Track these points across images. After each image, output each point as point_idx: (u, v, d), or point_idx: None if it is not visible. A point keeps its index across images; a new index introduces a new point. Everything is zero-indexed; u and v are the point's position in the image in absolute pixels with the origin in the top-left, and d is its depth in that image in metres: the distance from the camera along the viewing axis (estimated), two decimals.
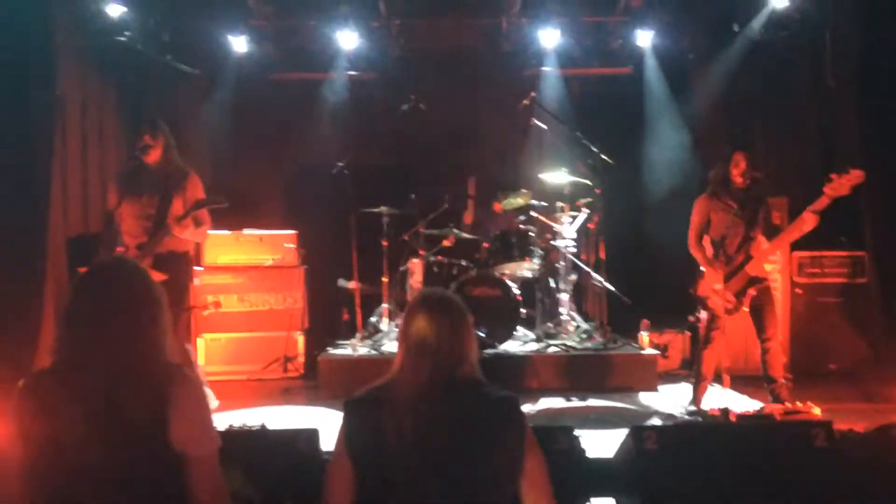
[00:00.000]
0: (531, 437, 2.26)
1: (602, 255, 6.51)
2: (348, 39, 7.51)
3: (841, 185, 4.45)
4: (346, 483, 2.20)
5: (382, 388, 2.27)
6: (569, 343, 6.35)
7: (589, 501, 3.44)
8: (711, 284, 4.94)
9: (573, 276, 6.73)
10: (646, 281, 8.30)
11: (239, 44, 7.56)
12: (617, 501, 3.49)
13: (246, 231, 6.80)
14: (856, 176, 4.42)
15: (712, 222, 5.06)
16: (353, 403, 2.28)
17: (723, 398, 4.55)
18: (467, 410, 2.20)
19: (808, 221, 4.60)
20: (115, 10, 6.43)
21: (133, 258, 4.50)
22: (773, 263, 6.21)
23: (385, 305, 6.82)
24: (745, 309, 4.94)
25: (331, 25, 7.44)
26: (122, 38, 6.63)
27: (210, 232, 6.46)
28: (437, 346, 2.22)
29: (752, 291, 4.89)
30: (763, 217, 5.00)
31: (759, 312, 4.93)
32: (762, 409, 4.74)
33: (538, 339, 6.49)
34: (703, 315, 5.09)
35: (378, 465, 2.15)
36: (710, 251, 5.08)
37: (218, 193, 5.13)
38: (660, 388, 5.97)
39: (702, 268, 5.07)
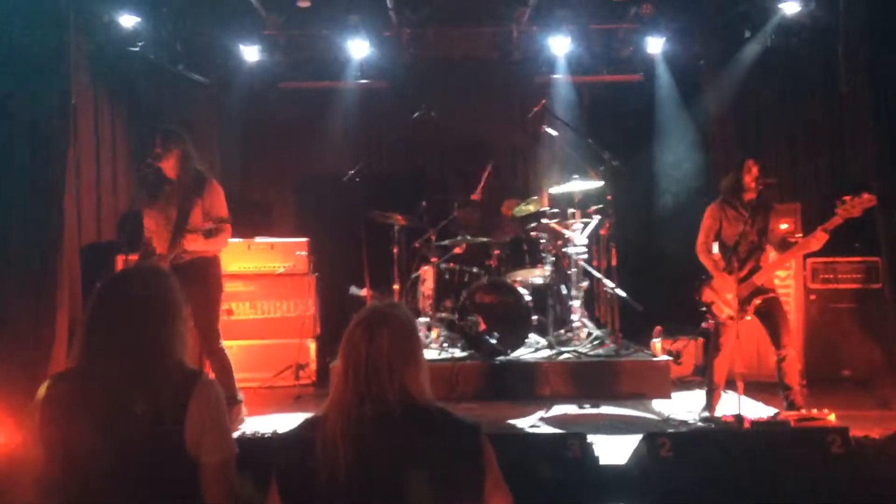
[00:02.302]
0: (496, 477, 1.95)
1: (614, 261, 6.49)
2: (359, 48, 7.55)
3: (853, 206, 4.60)
4: None
5: (316, 420, 1.96)
6: (580, 350, 6.33)
7: None
8: (720, 291, 4.92)
9: (585, 283, 6.71)
10: (658, 287, 8.27)
11: (250, 53, 7.63)
12: None
13: (257, 239, 6.82)
14: (867, 199, 4.57)
15: (723, 230, 5.05)
16: (282, 441, 2.02)
17: (737, 405, 4.51)
18: (412, 444, 1.87)
19: (819, 239, 4.69)
20: (128, 21, 6.50)
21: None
22: (787, 269, 6.18)
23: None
24: (748, 318, 4.92)
25: (342, 35, 7.49)
26: (135, 49, 6.70)
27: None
28: (373, 368, 1.90)
29: (756, 301, 4.87)
30: (772, 227, 5.01)
31: (772, 322, 4.91)
32: (776, 415, 4.73)
33: (550, 346, 6.47)
34: (710, 322, 5.09)
35: None
36: (718, 258, 5.07)
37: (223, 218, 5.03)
38: (673, 394, 5.93)
39: (705, 275, 5.06)
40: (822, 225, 4.70)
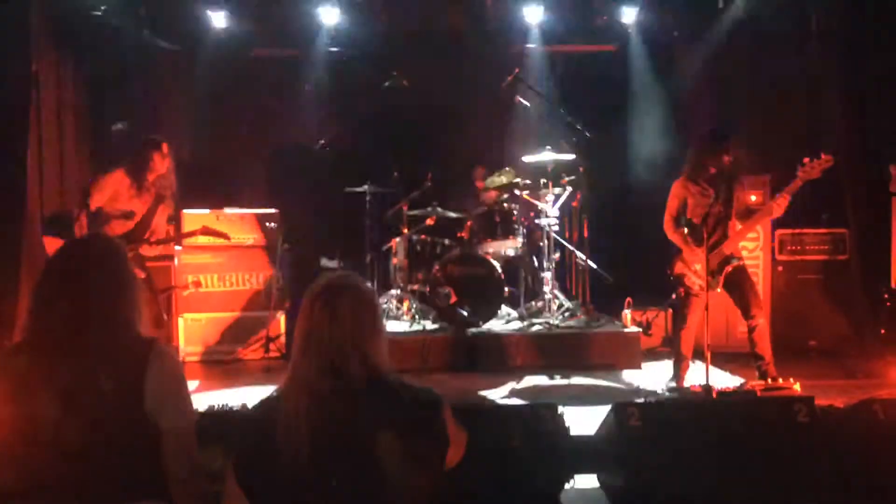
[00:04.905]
0: (457, 449, 1.94)
1: (585, 233, 6.50)
2: (330, 15, 7.41)
3: (813, 168, 4.59)
4: None
5: (271, 402, 1.89)
6: (552, 321, 6.35)
7: (572, 479, 3.45)
8: (690, 264, 4.95)
9: (556, 255, 6.71)
10: (629, 259, 8.32)
11: (218, 19, 7.45)
12: (599, 479, 3.50)
13: (227, 210, 6.72)
14: (826, 161, 4.57)
15: (689, 205, 5.05)
16: (241, 422, 1.96)
17: (705, 375, 4.56)
18: (375, 419, 1.81)
19: (781, 203, 4.69)
20: None
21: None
22: (755, 241, 6.23)
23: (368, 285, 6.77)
24: (719, 290, 4.95)
25: (312, 0, 7.33)
26: (98, 13, 6.50)
27: (190, 211, 6.43)
28: (337, 342, 1.84)
29: (727, 269, 4.90)
30: (737, 196, 5.02)
31: (741, 291, 4.93)
32: (743, 385, 4.79)
33: (521, 318, 6.49)
34: (682, 293, 5.11)
35: (275, 496, 1.81)
36: (686, 232, 5.08)
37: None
38: (643, 365, 5.98)
39: (677, 249, 5.08)
40: (783, 189, 4.70)
